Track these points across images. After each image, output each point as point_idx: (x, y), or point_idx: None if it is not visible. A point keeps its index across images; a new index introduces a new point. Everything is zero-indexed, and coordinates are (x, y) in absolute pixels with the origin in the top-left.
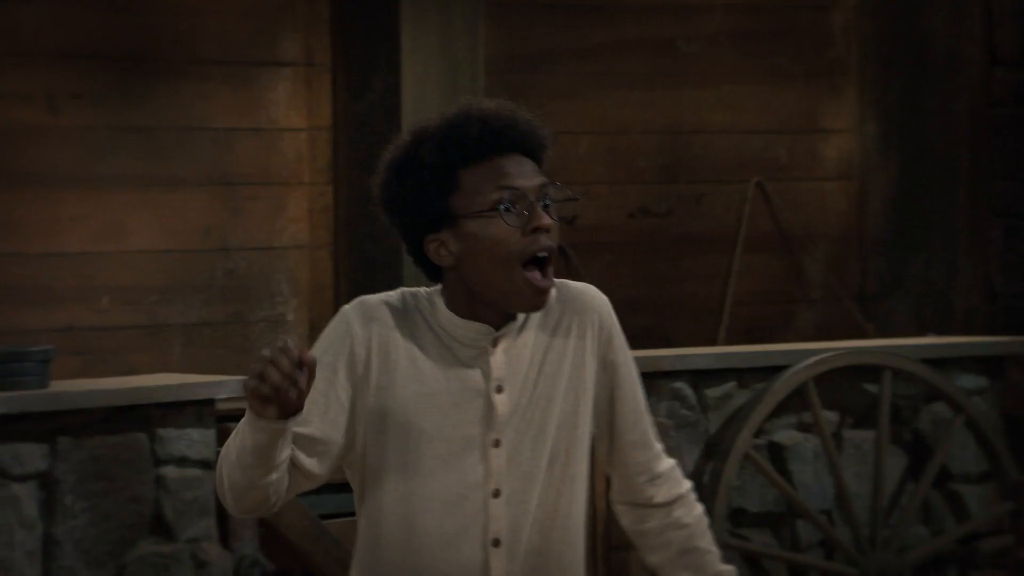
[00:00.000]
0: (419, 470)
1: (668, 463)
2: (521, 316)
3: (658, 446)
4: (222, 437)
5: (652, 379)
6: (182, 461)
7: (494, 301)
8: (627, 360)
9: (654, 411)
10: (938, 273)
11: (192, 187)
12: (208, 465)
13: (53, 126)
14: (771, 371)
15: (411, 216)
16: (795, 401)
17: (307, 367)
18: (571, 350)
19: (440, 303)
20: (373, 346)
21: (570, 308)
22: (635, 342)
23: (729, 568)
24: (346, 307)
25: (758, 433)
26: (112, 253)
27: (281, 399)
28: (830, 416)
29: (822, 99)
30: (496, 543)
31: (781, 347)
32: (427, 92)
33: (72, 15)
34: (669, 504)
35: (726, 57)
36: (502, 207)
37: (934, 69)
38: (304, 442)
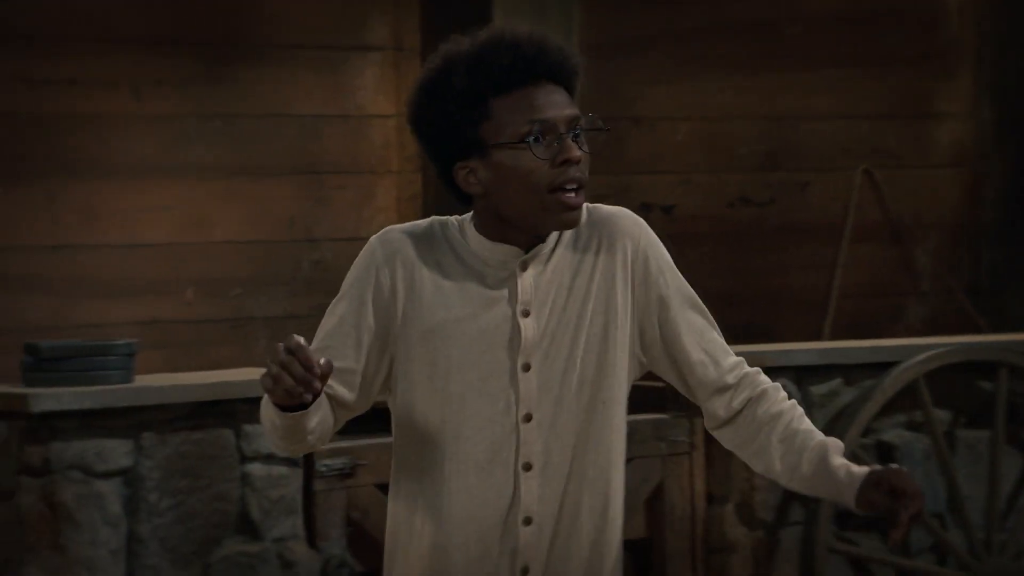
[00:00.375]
0: (450, 396)
1: (742, 371)
2: (551, 240)
3: (730, 359)
4: None
5: None
6: (268, 458)
7: (525, 225)
8: (670, 279)
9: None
10: None
11: (277, 176)
12: (295, 463)
13: (137, 113)
14: (879, 368)
15: (441, 142)
16: (905, 399)
17: (321, 371)
18: (599, 273)
19: (471, 228)
20: (398, 275)
21: (600, 231)
22: (735, 337)
23: (833, 440)
24: (372, 240)
25: (866, 432)
26: (196, 244)
27: (296, 399)
28: (942, 415)
29: (934, 82)
30: (528, 467)
31: (890, 342)
32: None
33: (156, 1)
34: (749, 406)
35: (832, 39)
36: (531, 139)
37: None
38: (342, 375)
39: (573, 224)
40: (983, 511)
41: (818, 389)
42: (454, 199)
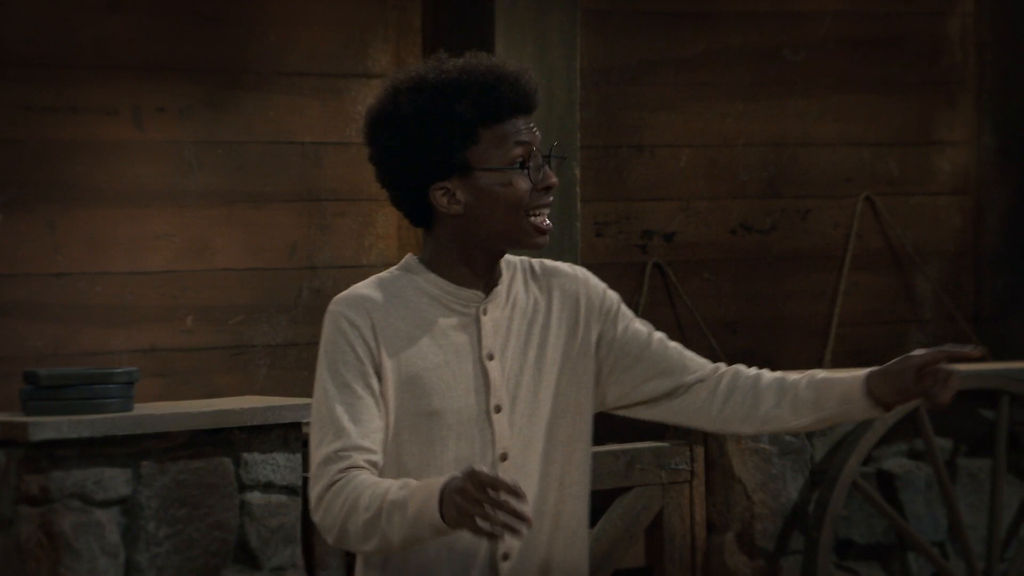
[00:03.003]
0: (431, 441)
1: (712, 365)
2: (503, 283)
3: (699, 361)
4: (308, 462)
5: None
6: (267, 487)
7: (496, 244)
8: (624, 315)
9: (756, 437)
10: None
11: (279, 203)
12: (294, 491)
13: (138, 140)
14: None
15: (422, 165)
16: (906, 427)
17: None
18: (555, 320)
19: (422, 270)
20: (377, 331)
21: (551, 282)
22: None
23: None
24: (332, 308)
25: (867, 461)
26: (196, 271)
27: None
28: (943, 443)
29: (936, 109)
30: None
31: None
32: None
33: (158, 27)
34: (713, 383)
35: (834, 66)
36: (521, 164)
37: None
38: (379, 441)
39: (543, 245)
40: (984, 540)
41: None
42: (409, 219)
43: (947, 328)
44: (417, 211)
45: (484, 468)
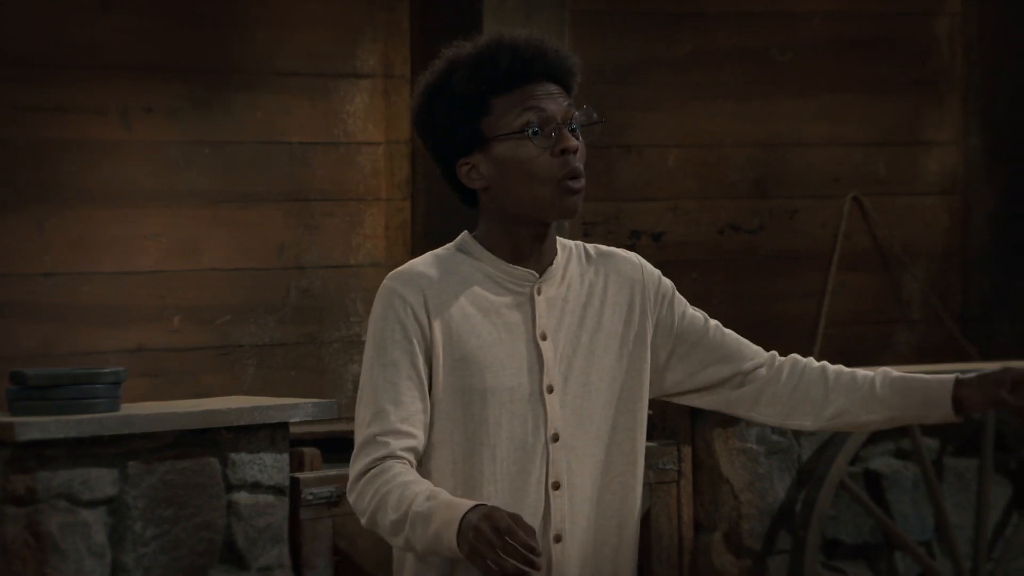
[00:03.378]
0: (486, 420)
1: (766, 355)
2: (559, 264)
3: (754, 348)
4: (295, 462)
5: None
6: (255, 487)
7: (528, 215)
8: (679, 301)
9: (743, 437)
10: None
11: (267, 203)
12: (281, 491)
13: (126, 140)
14: None
15: (443, 140)
16: (893, 427)
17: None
18: (610, 306)
19: (477, 248)
20: (430, 308)
21: (606, 266)
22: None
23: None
24: (386, 283)
25: (854, 460)
26: (184, 271)
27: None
28: (930, 443)
29: (924, 110)
30: (556, 486)
31: None
32: None
33: (147, 27)
34: (774, 373)
35: (823, 67)
36: (529, 130)
37: None
38: (421, 424)
39: (573, 212)
40: (971, 540)
41: None
42: (460, 200)
43: (935, 328)
44: (459, 190)
45: (502, 512)
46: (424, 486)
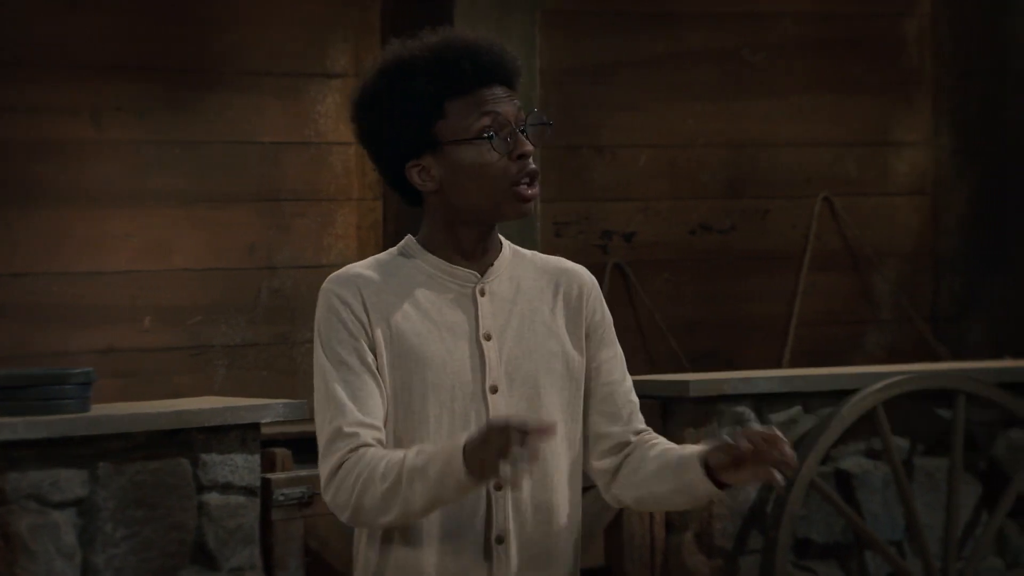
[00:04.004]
0: (426, 418)
1: (642, 434)
2: (500, 265)
3: (636, 424)
4: (267, 462)
5: (713, 403)
6: (226, 487)
7: (478, 217)
8: (611, 334)
9: (714, 437)
10: (1015, 293)
11: (238, 203)
12: (252, 492)
13: (97, 140)
14: (838, 395)
15: (391, 142)
16: (863, 427)
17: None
18: (560, 316)
19: (419, 250)
20: (368, 307)
21: (559, 278)
22: (695, 364)
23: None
24: (324, 286)
25: (824, 460)
26: (155, 272)
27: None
28: (900, 443)
29: (894, 110)
30: (498, 487)
31: (849, 370)
32: None
33: (117, 26)
34: (634, 442)
35: (793, 67)
36: (487, 135)
37: (1013, 78)
38: (380, 419)
39: (527, 214)
40: (941, 539)
41: (777, 417)
42: (403, 200)
43: (905, 328)
44: (403, 190)
45: (493, 419)
46: (409, 450)
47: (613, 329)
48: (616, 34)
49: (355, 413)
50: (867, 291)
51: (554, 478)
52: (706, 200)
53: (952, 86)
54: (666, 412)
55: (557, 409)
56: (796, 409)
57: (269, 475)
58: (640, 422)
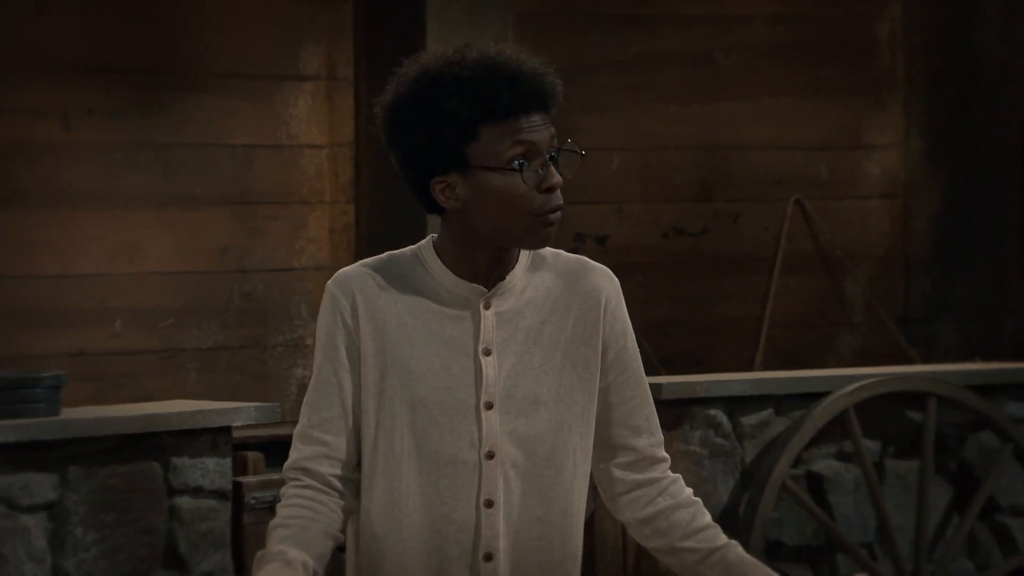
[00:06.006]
0: (414, 432)
1: (664, 466)
2: (513, 279)
3: (660, 436)
4: (238, 466)
5: (685, 406)
6: (197, 491)
7: (498, 241)
8: (631, 343)
9: (686, 440)
10: (986, 295)
11: (209, 206)
12: (223, 496)
13: (67, 143)
14: (810, 398)
15: (420, 157)
16: (835, 429)
17: None
18: (572, 325)
19: (432, 258)
20: (360, 314)
21: (575, 283)
22: (667, 366)
23: (733, 542)
24: (328, 283)
25: (796, 463)
26: (126, 275)
27: None
28: (871, 445)
29: (865, 114)
30: (489, 504)
31: (821, 373)
32: None
33: (87, 28)
34: (670, 484)
35: (765, 70)
36: (518, 164)
37: (984, 82)
38: (343, 453)
39: (547, 243)
40: (912, 541)
41: (749, 419)
42: (425, 209)
43: (876, 331)
44: (425, 200)
45: None
46: (276, 541)
47: (633, 336)
48: (588, 37)
49: (306, 423)
50: (839, 294)
51: (553, 493)
52: (678, 203)
53: (923, 89)
54: None
55: (561, 425)
56: (768, 412)
57: (240, 479)
58: (659, 432)
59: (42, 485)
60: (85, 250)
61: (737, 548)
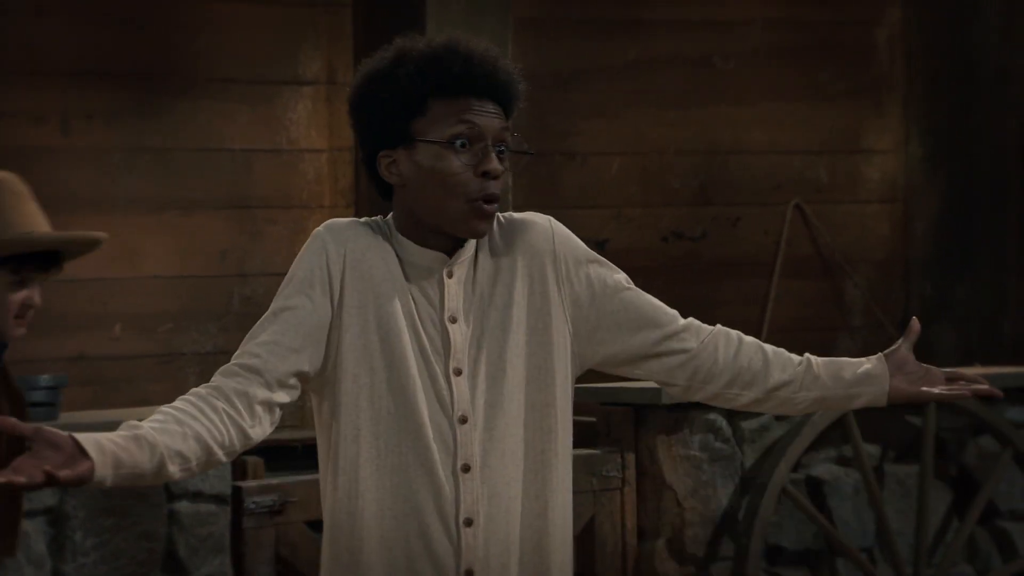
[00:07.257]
0: (386, 394)
1: (687, 320)
2: (470, 246)
3: (674, 311)
4: (237, 471)
5: (684, 410)
6: (196, 496)
7: (432, 224)
8: (602, 267)
9: (686, 444)
10: (986, 299)
11: (209, 210)
12: (223, 500)
13: (65, 147)
14: None
15: (372, 128)
16: (835, 433)
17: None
18: (520, 280)
19: (393, 230)
20: (347, 264)
21: (515, 239)
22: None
23: (805, 355)
24: (318, 228)
25: (796, 467)
26: (125, 279)
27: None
28: (871, 449)
29: (865, 117)
30: (466, 469)
31: None
32: None
33: (85, 32)
34: (711, 336)
35: (764, 74)
36: (458, 142)
37: (983, 85)
38: (285, 376)
39: (480, 235)
40: (912, 546)
41: (749, 424)
42: (375, 190)
43: (876, 334)
44: (373, 179)
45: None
46: (140, 424)
47: (602, 260)
48: (587, 41)
49: (255, 347)
50: (838, 297)
51: (531, 452)
52: (678, 207)
53: (922, 93)
54: (638, 419)
55: (524, 383)
56: (767, 416)
57: (240, 483)
58: (670, 311)
59: (41, 490)
60: (85, 254)
61: (812, 357)
